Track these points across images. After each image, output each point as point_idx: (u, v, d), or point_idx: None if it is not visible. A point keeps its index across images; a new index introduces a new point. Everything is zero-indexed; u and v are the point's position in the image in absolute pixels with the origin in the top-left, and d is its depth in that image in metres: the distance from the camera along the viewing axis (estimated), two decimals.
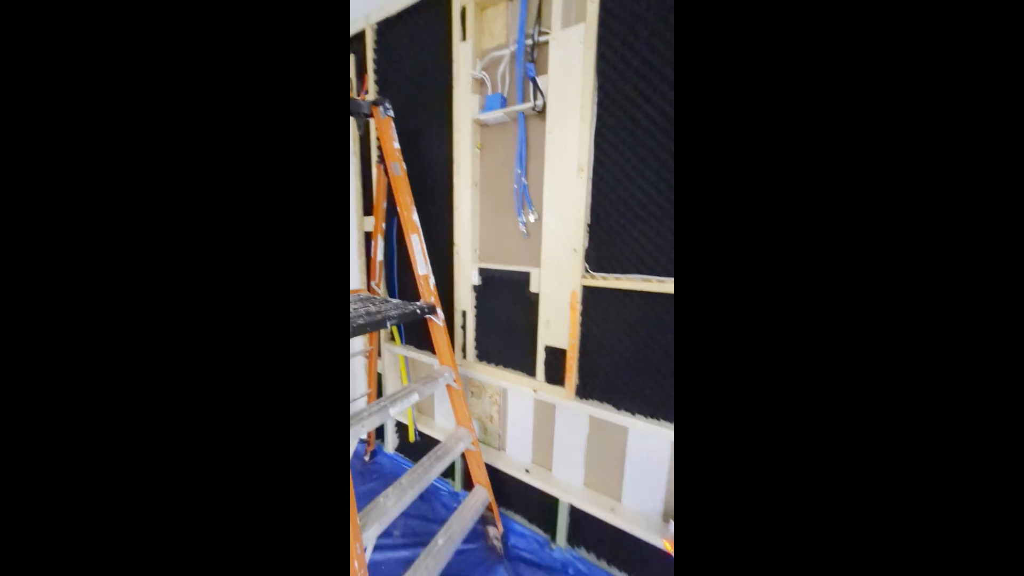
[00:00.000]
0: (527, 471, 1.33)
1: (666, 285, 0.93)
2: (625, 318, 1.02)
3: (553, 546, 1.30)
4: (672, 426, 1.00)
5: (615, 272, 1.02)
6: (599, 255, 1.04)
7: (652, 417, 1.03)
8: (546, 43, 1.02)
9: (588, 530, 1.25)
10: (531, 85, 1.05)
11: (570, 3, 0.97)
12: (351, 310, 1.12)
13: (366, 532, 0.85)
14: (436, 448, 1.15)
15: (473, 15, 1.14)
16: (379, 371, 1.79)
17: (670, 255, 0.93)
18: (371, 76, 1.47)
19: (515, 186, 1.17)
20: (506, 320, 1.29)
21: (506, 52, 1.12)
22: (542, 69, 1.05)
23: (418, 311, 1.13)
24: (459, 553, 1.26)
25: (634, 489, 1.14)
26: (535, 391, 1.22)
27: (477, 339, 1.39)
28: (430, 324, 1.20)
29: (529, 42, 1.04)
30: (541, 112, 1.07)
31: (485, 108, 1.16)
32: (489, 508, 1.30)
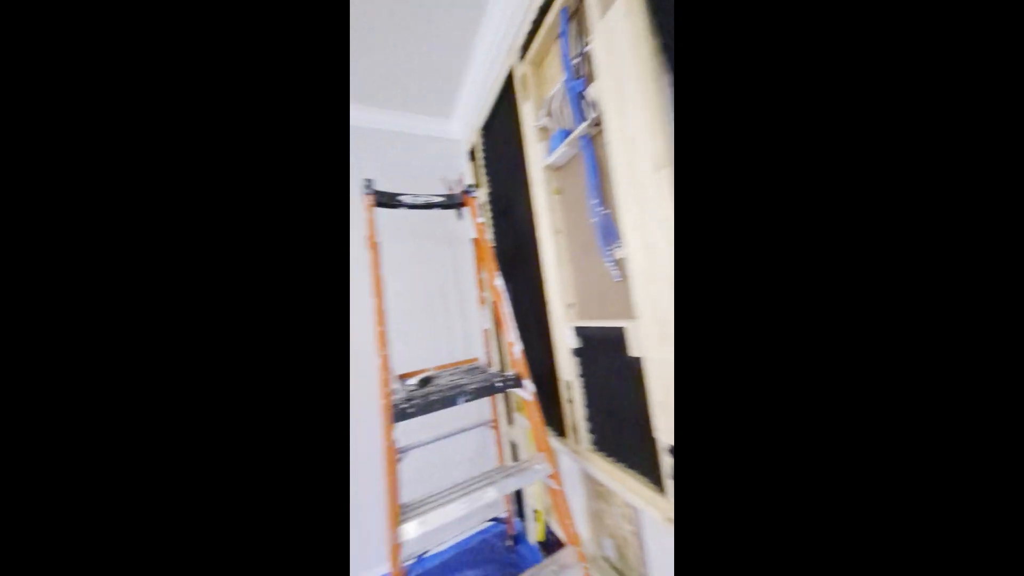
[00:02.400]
0: None
1: None
2: None
3: None
4: None
5: None
6: None
7: None
8: (591, 51, 0.85)
9: None
10: (582, 102, 0.87)
11: None
12: (445, 382, 1.13)
13: None
14: (536, 568, 0.87)
15: (531, 73, 1.14)
16: (512, 440, 1.68)
17: None
18: (483, 175, 1.70)
19: (594, 220, 0.93)
20: (611, 397, 0.93)
21: (559, 85, 1.01)
22: (592, 79, 0.86)
23: (498, 383, 1.00)
24: None
25: None
26: (668, 519, 0.75)
27: (589, 419, 1.07)
28: (521, 399, 1.03)
29: (576, 60, 0.90)
30: (599, 123, 0.85)
31: (551, 149, 1.05)
32: None
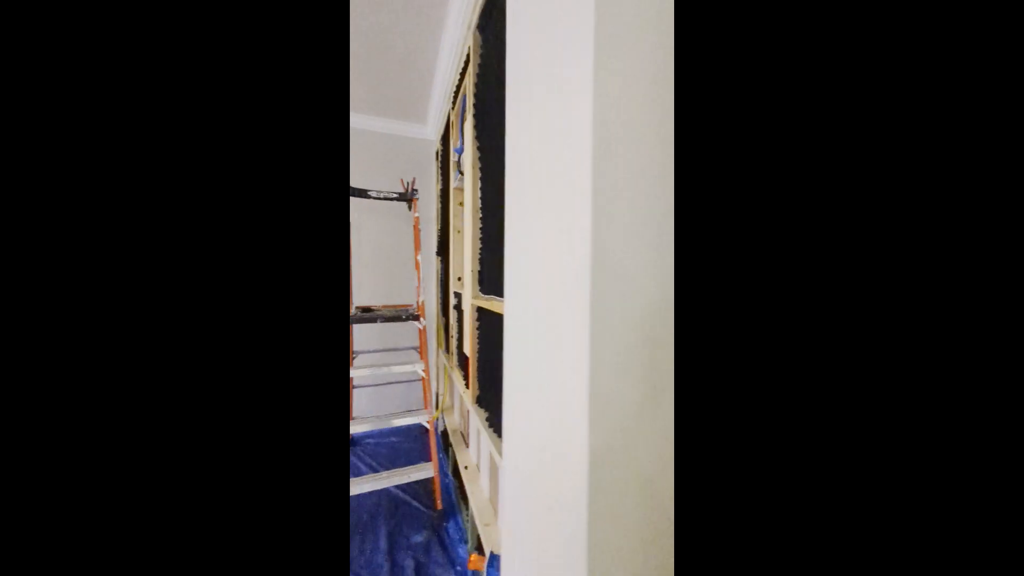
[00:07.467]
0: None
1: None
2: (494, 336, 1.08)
3: None
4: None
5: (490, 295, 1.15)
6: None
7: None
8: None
9: None
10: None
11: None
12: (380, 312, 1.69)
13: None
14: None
15: (453, 126, 1.75)
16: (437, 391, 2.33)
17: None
18: (439, 174, 2.27)
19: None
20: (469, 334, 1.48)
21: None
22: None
23: (404, 316, 1.61)
24: None
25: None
26: (473, 400, 1.31)
27: (458, 347, 1.62)
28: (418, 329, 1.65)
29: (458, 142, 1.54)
30: (462, 173, 1.50)
31: (453, 177, 1.68)
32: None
